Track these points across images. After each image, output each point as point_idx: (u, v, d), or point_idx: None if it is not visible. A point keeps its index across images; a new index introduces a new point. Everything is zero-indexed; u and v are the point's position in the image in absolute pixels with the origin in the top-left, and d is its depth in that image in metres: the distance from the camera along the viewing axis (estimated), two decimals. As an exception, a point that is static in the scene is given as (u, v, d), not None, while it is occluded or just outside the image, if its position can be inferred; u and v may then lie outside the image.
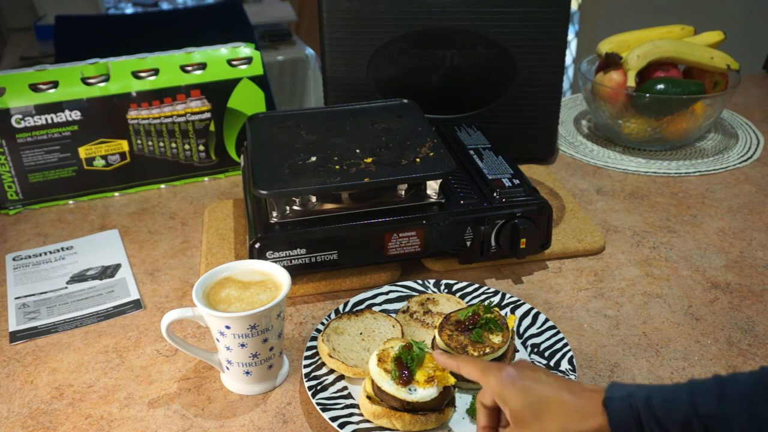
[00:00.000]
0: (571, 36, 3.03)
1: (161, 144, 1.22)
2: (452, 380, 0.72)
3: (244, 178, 1.08)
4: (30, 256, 1.07)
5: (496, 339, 0.77)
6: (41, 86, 1.13)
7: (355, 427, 0.72)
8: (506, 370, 0.63)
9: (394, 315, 0.89)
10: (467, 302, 0.90)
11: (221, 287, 0.78)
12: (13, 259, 1.06)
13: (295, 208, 0.93)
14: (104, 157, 1.20)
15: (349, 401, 0.76)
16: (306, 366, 0.80)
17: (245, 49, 1.23)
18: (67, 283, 1.00)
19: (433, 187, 0.95)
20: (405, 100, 1.13)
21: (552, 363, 0.79)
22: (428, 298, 0.91)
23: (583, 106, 1.57)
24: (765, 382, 0.53)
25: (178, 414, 0.77)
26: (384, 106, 1.12)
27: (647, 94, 1.27)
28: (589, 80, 1.36)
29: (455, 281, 0.94)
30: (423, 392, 0.71)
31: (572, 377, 0.76)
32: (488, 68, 1.21)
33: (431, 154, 0.96)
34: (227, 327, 0.74)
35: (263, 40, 2.87)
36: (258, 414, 0.77)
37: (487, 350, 0.75)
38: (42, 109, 1.13)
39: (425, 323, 0.87)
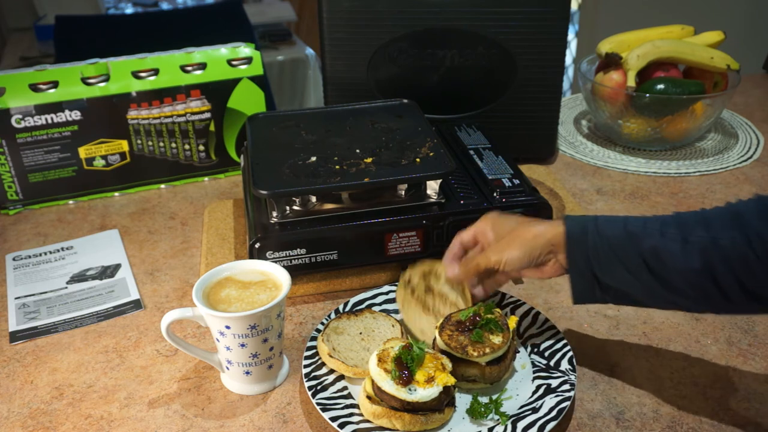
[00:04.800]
0: (571, 36, 3.03)
1: (161, 144, 1.22)
2: (452, 380, 0.72)
3: (244, 178, 1.08)
4: (30, 256, 1.07)
5: (497, 339, 0.77)
6: (41, 86, 1.13)
7: (355, 427, 0.72)
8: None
9: (394, 315, 0.89)
10: (467, 302, 0.90)
11: (221, 287, 0.78)
12: (13, 259, 1.06)
13: (295, 208, 0.93)
14: (104, 157, 1.20)
15: (349, 401, 0.76)
16: (306, 366, 0.80)
17: (245, 49, 1.23)
18: (67, 283, 1.00)
19: (433, 187, 0.95)
20: (405, 100, 1.13)
21: (552, 363, 0.79)
22: (431, 270, 0.89)
23: (583, 106, 1.57)
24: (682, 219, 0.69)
25: (178, 414, 0.77)
26: (384, 106, 1.12)
27: (647, 94, 1.27)
28: (589, 80, 1.36)
29: (455, 281, 0.94)
30: (423, 392, 0.70)
31: (572, 377, 0.76)
32: (488, 68, 1.21)
33: (431, 154, 0.96)
34: (227, 327, 0.74)
35: (263, 40, 2.87)
36: (258, 414, 0.77)
37: (488, 350, 0.75)
38: (42, 109, 1.13)
39: (426, 307, 0.86)
